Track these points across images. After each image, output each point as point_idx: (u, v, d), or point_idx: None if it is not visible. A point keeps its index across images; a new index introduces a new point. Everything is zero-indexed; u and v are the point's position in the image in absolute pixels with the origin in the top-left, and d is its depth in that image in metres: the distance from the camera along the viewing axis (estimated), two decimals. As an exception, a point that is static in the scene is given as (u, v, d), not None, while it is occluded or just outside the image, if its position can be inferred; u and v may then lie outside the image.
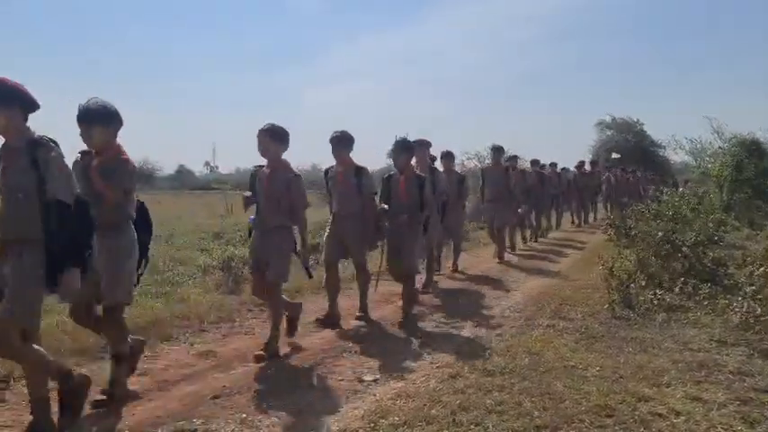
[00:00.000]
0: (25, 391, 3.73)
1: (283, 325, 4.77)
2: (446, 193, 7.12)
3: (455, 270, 8.44)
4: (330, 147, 5.45)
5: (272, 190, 4.58)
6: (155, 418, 3.35)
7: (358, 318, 5.58)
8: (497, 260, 9.47)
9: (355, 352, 4.67)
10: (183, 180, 52.64)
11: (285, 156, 4.71)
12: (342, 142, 5.42)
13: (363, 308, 5.68)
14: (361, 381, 3.98)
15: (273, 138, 4.58)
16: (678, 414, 3.29)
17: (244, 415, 3.41)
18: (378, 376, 4.05)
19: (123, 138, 3.60)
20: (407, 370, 4.19)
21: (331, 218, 5.65)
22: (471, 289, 7.34)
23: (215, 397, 3.67)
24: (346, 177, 5.47)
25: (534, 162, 13.51)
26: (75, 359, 4.28)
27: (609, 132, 30.42)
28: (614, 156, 26.97)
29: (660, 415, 3.29)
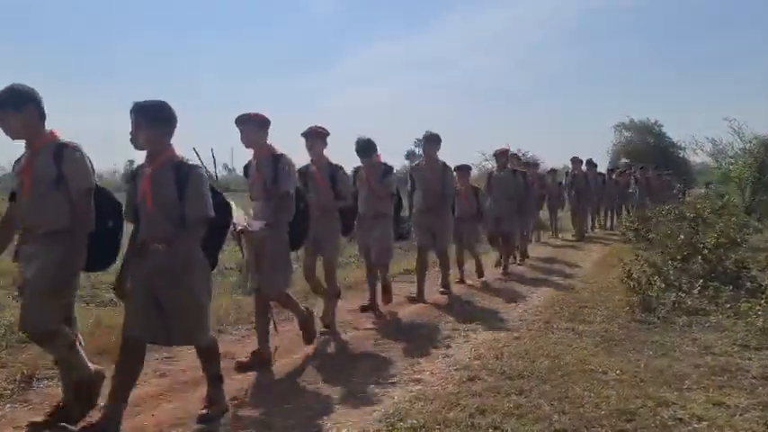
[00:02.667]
0: (46, 391, 3.79)
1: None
2: (348, 199, 5.42)
3: (368, 308, 6.03)
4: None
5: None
6: (174, 419, 3.38)
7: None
8: (442, 290, 7.01)
9: (373, 354, 4.67)
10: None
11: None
12: (145, 114, 3.20)
13: None
14: (378, 383, 3.97)
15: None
16: (700, 419, 3.24)
17: (262, 416, 3.42)
18: (395, 379, 4.04)
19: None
20: (425, 373, 4.17)
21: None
22: (488, 292, 7.30)
23: (234, 398, 3.69)
24: (159, 178, 3.21)
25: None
26: (96, 359, 4.33)
27: (627, 134, 30.13)
28: (623, 161, 26.73)
29: (681, 420, 3.24)
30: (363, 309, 6.06)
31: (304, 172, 5.22)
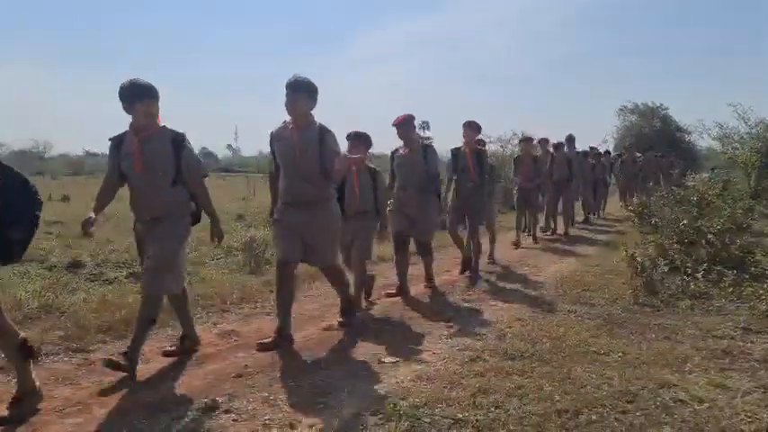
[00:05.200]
0: (53, 366, 3.82)
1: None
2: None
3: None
4: None
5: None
6: (179, 396, 3.42)
7: None
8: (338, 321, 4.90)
9: (375, 334, 4.69)
10: (205, 162, 54.14)
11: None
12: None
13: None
14: (381, 362, 4.00)
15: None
16: (701, 401, 3.26)
17: (266, 394, 3.45)
18: (398, 358, 4.06)
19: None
20: (427, 352, 4.20)
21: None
22: (489, 275, 7.31)
23: (238, 376, 3.73)
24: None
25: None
26: (101, 336, 4.37)
27: (632, 118, 29.85)
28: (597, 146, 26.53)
29: (683, 402, 3.26)
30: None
31: None
